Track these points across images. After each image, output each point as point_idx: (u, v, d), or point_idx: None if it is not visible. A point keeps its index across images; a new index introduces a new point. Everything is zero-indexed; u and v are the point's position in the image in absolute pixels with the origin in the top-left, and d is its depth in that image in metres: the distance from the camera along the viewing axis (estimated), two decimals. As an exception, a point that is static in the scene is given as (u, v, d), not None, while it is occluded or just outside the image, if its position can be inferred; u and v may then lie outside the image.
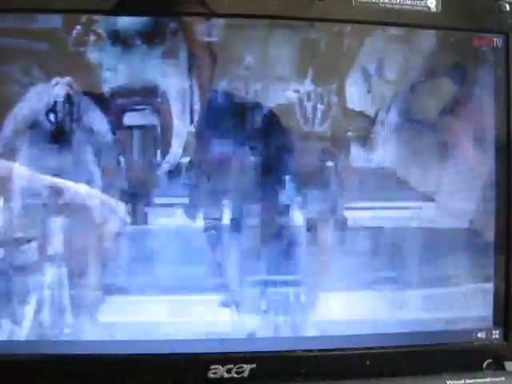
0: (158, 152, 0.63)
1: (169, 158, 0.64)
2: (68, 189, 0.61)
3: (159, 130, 0.64)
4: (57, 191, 0.61)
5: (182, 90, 0.63)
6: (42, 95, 0.61)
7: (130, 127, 0.63)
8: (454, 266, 0.65)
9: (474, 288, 0.64)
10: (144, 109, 0.63)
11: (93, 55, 0.61)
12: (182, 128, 0.64)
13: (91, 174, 0.62)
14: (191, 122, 0.64)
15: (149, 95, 0.63)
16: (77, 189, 0.62)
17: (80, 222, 0.61)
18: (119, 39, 0.61)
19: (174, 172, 0.63)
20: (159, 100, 0.63)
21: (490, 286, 0.64)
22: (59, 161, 0.61)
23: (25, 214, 0.60)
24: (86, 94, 0.61)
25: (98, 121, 0.62)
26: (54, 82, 0.61)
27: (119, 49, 0.62)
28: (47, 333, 0.61)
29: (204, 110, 0.63)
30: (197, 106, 0.64)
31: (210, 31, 0.62)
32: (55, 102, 0.61)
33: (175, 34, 0.62)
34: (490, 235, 0.64)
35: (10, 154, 0.60)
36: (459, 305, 0.64)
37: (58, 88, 0.61)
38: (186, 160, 0.63)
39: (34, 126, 0.61)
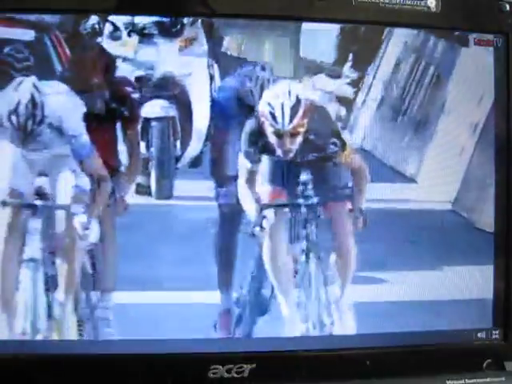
0: (178, 144, 0.64)
1: (188, 149, 0.64)
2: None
3: (178, 121, 0.65)
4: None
5: (202, 82, 0.64)
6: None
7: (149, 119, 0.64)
8: (452, 264, 0.65)
9: (474, 288, 0.64)
10: (163, 100, 0.64)
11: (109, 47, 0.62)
12: (201, 120, 0.65)
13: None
14: (211, 114, 0.64)
15: (167, 87, 0.64)
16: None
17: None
18: (136, 31, 0.62)
19: (194, 162, 0.64)
20: (178, 92, 0.64)
21: (490, 286, 0.64)
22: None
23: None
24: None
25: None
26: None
27: (136, 40, 0.63)
28: (45, 333, 0.61)
29: (222, 102, 0.64)
30: (215, 98, 0.64)
31: (226, 26, 0.63)
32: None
33: (193, 24, 0.63)
34: (490, 235, 0.65)
35: None
36: (459, 305, 0.64)
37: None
38: (204, 151, 0.64)
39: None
